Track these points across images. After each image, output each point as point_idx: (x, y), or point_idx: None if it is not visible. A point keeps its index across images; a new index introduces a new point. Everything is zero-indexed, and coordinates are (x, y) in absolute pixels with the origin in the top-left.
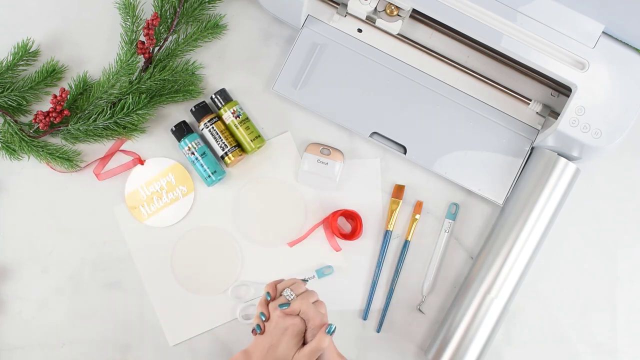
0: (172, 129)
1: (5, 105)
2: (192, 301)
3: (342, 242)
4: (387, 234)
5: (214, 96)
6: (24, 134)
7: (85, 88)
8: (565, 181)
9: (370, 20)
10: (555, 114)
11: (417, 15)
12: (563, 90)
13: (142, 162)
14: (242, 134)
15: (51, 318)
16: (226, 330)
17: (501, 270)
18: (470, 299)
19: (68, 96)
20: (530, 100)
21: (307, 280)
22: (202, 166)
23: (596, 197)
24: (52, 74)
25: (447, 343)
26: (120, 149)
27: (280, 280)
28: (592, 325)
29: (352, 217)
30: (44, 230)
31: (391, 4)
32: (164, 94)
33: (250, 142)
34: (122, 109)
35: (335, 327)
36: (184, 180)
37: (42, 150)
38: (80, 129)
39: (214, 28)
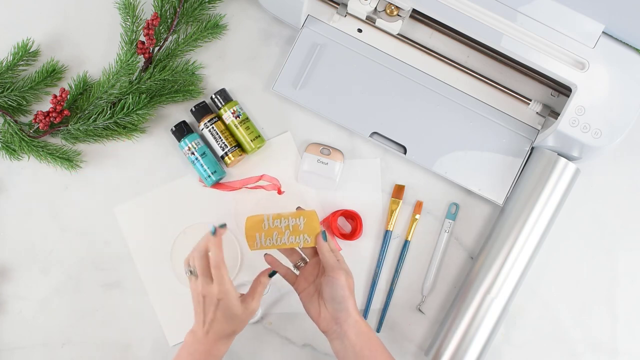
0: (172, 129)
1: (5, 105)
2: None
3: (342, 242)
4: (387, 234)
5: (214, 96)
6: (24, 134)
7: (85, 88)
8: (565, 181)
9: (370, 20)
10: (555, 114)
11: (417, 15)
12: (563, 90)
13: (280, 192)
14: (242, 134)
15: (51, 318)
16: None
17: (501, 270)
18: (470, 299)
19: (68, 96)
20: (530, 100)
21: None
22: (202, 166)
23: (596, 197)
24: (52, 74)
25: (447, 343)
26: (265, 174)
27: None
28: (592, 325)
29: (352, 217)
30: (44, 230)
31: (391, 4)
32: (164, 94)
33: (250, 142)
34: (122, 109)
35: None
36: (312, 231)
37: (42, 150)
38: (80, 129)
39: (214, 28)
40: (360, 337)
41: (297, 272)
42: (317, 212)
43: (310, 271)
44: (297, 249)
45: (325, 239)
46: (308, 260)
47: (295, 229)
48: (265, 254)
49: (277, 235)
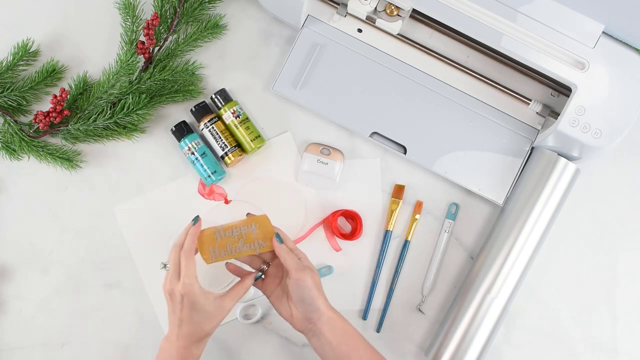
0: (172, 129)
1: (5, 105)
2: None
3: (342, 242)
4: (387, 234)
5: (214, 96)
6: (24, 134)
7: (85, 88)
8: (565, 181)
9: (370, 20)
10: (555, 114)
11: (417, 15)
12: (563, 90)
13: (227, 202)
14: (242, 134)
15: (51, 318)
16: (226, 330)
17: (501, 270)
18: (470, 299)
19: (68, 96)
20: (530, 100)
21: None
22: (202, 166)
23: (596, 197)
24: (52, 74)
25: (447, 343)
26: (213, 184)
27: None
28: (592, 325)
29: (352, 217)
30: (44, 230)
31: (391, 4)
32: (164, 94)
33: (250, 142)
34: (122, 109)
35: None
36: (266, 235)
37: (42, 150)
38: (80, 129)
39: (214, 28)
40: (336, 333)
41: (262, 277)
42: (317, 211)
43: (274, 273)
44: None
45: (280, 241)
46: (270, 263)
47: (249, 237)
48: (227, 263)
49: (231, 245)
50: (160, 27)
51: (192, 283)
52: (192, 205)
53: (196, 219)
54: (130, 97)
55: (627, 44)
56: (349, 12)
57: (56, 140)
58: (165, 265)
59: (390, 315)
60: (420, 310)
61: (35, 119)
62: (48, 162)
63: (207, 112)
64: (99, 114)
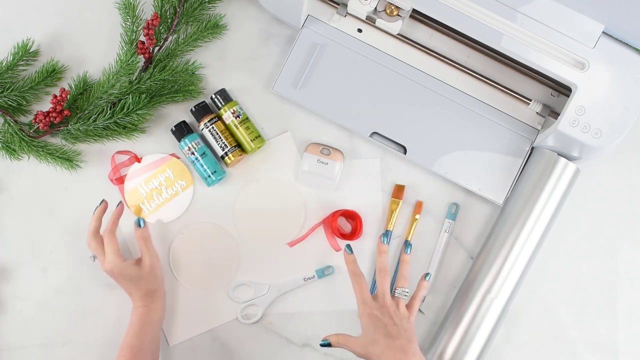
0: (172, 129)
1: (5, 105)
2: (192, 301)
3: (342, 242)
4: (387, 234)
5: (214, 96)
6: (24, 134)
7: (85, 88)
8: (565, 181)
9: (370, 20)
10: (555, 114)
11: (417, 15)
12: (563, 90)
13: (138, 160)
14: (242, 134)
15: (51, 318)
16: (226, 330)
17: (501, 270)
18: (470, 299)
19: (68, 96)
20: (530, 100)
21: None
22: (202, 166)
23: (596, 197)
24: (52, 74)
25: (447, 343)
26: (117, 150)
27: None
28: (592, 325)
29: (352, 217)
30: (44, 230)
31: (391, 4)
32: (164, 94)
33: (250, 142)
34: (122, 109)
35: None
36: (182, 175)
37: (42, 150)
38: (80, 129)
39: (214, 28)
40: None
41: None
42: (317, 211)
43: None
44: None
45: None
46: None
47: (168, 181)
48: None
49: (157, 195)
50: (160, 27)
51: (113, 258)
52: (191, 204)
53: (101, 201)
54: (130, 97)
55: (627, 44)
56: (349, 12)
57: (56, 140)
58: (93, 257)
59: None
60: (420, 310)
61: (35, 119)
62: (48, 162)
63: (207, 112)
64: (99, 114)
